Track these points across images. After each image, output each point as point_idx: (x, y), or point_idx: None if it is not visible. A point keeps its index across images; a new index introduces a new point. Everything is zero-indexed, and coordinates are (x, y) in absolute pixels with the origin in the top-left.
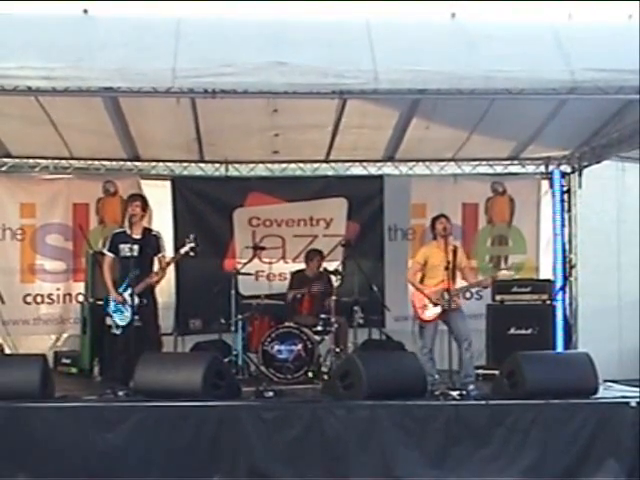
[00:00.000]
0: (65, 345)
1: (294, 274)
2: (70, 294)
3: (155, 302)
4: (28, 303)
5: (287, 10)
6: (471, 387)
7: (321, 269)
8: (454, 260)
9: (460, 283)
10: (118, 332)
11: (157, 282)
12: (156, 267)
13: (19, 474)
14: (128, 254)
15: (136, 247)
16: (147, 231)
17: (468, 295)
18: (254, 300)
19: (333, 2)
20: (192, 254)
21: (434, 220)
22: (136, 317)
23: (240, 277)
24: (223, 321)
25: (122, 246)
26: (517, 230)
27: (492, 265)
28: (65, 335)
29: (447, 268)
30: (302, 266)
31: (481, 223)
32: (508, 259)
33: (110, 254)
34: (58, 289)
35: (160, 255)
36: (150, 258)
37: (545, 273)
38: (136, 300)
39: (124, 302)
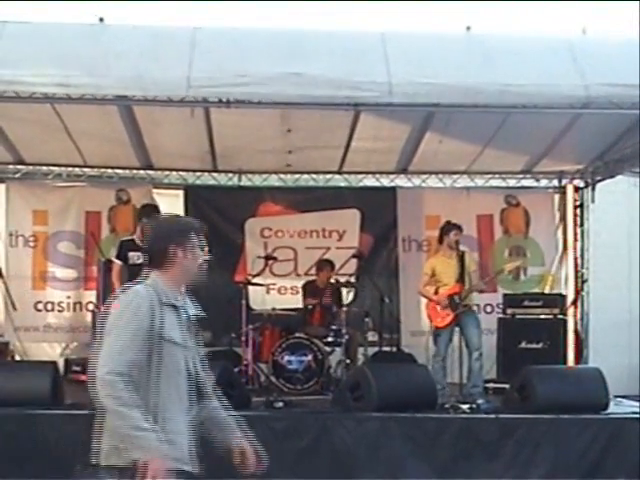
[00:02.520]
0: (74, 353)
1: (305, 285)
2: (80, 302)
3: None
4: (39, 310)
5: (302, 21)
6: (480, 400)
7: (332, 280)
8: (462, 265)
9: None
10: None
11: None
12: None
13: None
14: (138, 262)
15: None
16: None
17: (488, 310)
18: (265, 311)
19: (349, 13)
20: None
21: (448, 229)
22: None
23: (251, 291)
24: (234, 335)
25: (131, 254)
26: (534, 242)
27: (512, 277)
28: (75, 343)
29: (456, 279)
30: (314, 277)
31: (497, 234)
32: (527, 271)
33: (118, 261)
34: (69, 297)
35: None
36: None
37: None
38: None
39: None
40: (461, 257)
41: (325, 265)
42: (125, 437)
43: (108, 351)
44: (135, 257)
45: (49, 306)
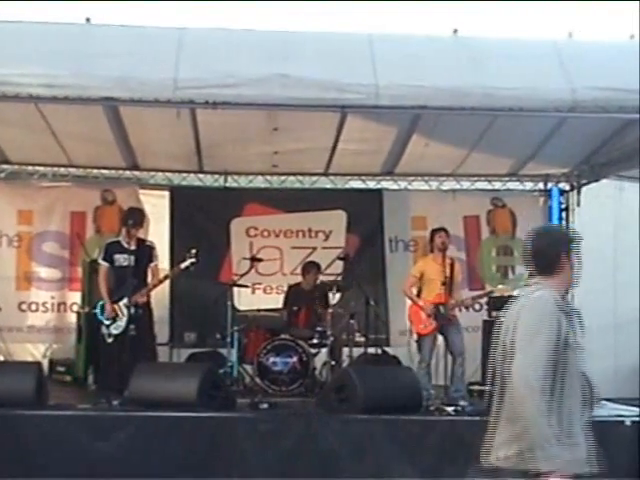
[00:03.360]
0: (58, 354)
1: (290, 287)
2: (65, 303)
3: (151, 311)
4: (23, 311)
5: (289, 23)
6: (462, 402)
7: (318, 282)
8: (451, 274)
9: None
10: (110, 340)
11: (151, 290)
12: (149, 277)
13: None
14: (124, 264)
15: (132, 257)
16: (141, 242)
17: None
18: (250, 313)
19: (336, 15)
20: (192, 269)
21: (433, 233)
22: (132, 326)
23: (236, 291)
24: (219, 336)
25: (117, 256)
26: (521, 241)
27: (500, 274)
28: (58, 344)
29: (444, 283)
30: (299, 279)
31: (484, 234)
32: (515, 269)
33: (105, 263)
34: (53, 297)
35: (152, 265)
36: (145, 268)
37: None
38: (132, 310)
39: (118, 314)
40: (451, 265)
41: (311, 267)
42: (535, 445)
43: (529, 359)
44: (121, 259)
45: (33, 306)
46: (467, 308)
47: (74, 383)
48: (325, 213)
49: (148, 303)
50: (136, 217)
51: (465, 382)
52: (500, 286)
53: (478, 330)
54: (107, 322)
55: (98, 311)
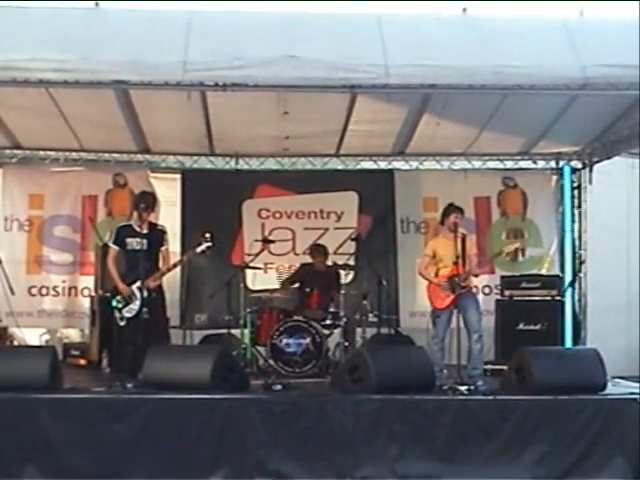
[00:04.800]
0: (69, 338)
1: (304, 265)
2: (76, 287)
3: (163, 294)
4: (33, 295)
5: (298, 4)
6: (479, 382)
7: (329, 262)
8: (463, 248)
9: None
10: (123, 324)
11: (164, 274)
12: (161, 261)
13: (27, 465)
14: (137, 248)
15: (144, 241)
16: (153, 226)
17: (487, 291)
18: (263, 294)
19: None
20: (207, 252)
21: (448, 212)
22: (145, 309)
23: (249, 272)
24: (228, 317)
25: (129, 240)
26: (532, 223)
27: (509, 259)
28: (69, 329)
29: (456, 262)
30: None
31: (494, 216)
32: (526, 252)
33: (115, 247)
34: (64, 281)
35: (163, 249)
36: (157, 252)
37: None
38: (145, 293)
39: (132, 295)
40: (462, 240)
41: (318, 252)
42: None
43: None
44: (134, 243)
45: (44, 290)
46: (476, 276)
47: (88, 367)
48: (337, 194)
49: (160, 286)
50: (148, 201)
51: (483, 360)
52: (508, 246)
53: (492, 313)
54: (120, 305)
55: (113, 296)
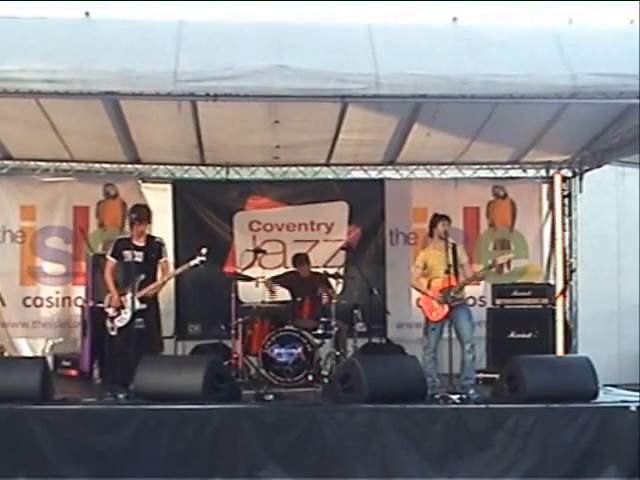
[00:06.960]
0: (63, 348)
1: (289, 272)
2: (69, 297)
3: (157, 305)
4: (28, 306)
5: (289, 14)
6: (471, 391)
7: (316, 270)
8: (454, 258)
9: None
10: (114, 333)
11: (160, 288)
12: (160, 273)
13: (19, 476)
14: (133, 260)
15: (141, 254)
16: (150, 238)
17: (471, 302)
18: (254, 304)
19: (335, 5)
20: (200, 267)
21: (436, 220)
22: (139, 320)
23: (240, 284)
24: (223, 327)
25: (126, 252)
26: (519, 234)
27: (495, 270)
28: (63, 339)
29: (448, 271)
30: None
31: (483, 227)
32: (511, 264)
33: (113, 259)
34: (57, 292)
35: (162, 261)
36: (154, 264)
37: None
38: (137, 304)
39: (123, 305)
40: (453, 249)
41: (300, 261)
42: None
43: None
44: (130, 255)
45: (38, 301)
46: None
47: (80, 377)
48: (327, 205)
49: (155, 297)
50: (139, 213)
51: (475, 369)
52: (502, 256)
53: (482, 324)
54: (112, 314)
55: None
